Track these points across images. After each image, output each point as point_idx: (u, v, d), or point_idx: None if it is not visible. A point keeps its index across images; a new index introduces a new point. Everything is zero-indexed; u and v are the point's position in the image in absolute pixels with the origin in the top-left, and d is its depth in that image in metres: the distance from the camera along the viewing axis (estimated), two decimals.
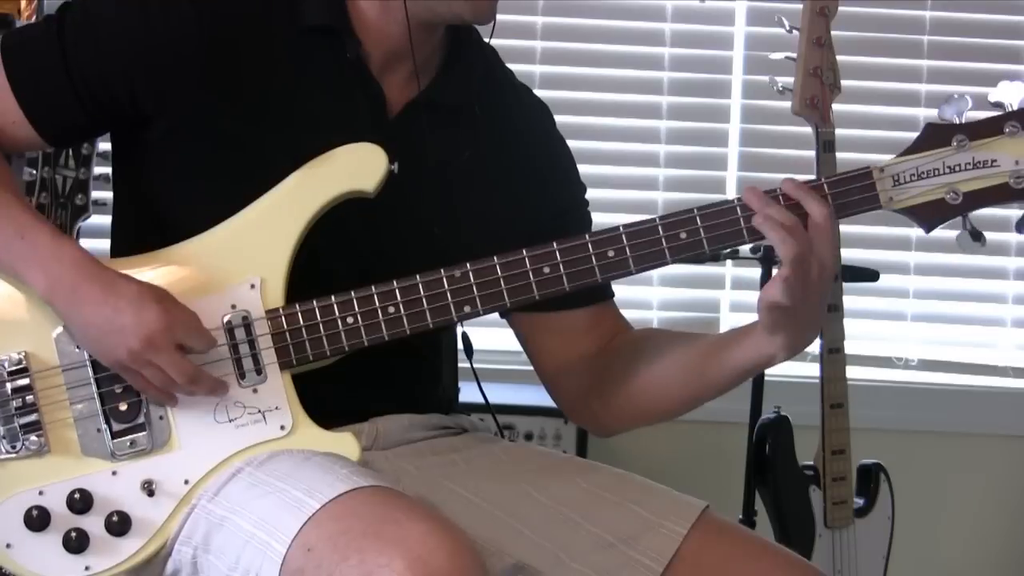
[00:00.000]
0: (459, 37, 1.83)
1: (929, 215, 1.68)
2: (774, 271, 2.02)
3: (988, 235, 1.71)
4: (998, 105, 1.67)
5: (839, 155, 2.62)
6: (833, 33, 2.60)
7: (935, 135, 1.67)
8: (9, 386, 1.66)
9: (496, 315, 1.85)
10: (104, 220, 1.99)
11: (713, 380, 1.74)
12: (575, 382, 1.87)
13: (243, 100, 1.72)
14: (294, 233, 1.68)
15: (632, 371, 1.81)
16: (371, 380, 1.77)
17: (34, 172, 2.39)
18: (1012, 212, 1.73)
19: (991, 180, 1.67)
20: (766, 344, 1.67)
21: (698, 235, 1.67)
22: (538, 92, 1.98)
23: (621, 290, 3.11)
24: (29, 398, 1.66)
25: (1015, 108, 1.66)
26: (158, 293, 1.63)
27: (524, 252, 1.68)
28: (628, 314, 3.28)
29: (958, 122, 1.67)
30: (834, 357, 2.68)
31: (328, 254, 1.73)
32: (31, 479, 1.65)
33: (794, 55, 2.60)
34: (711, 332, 1.79)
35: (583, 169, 1.96)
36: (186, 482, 1.66)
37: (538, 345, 1.90)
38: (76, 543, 1.64)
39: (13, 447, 1.65)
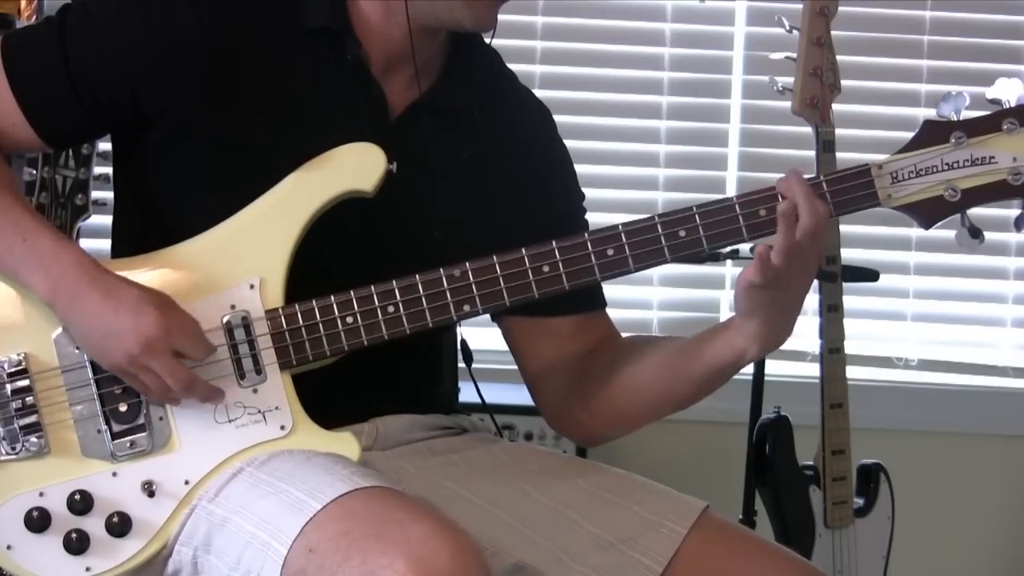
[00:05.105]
0: (461, 40, 1.83)
1: (928, 212, 1.67)
2: None
3: (988, 235, 1.70)
4: (996, 102, 1.67)
5: (839, 155, 2.62)
6: (833, 33, 2.60)
7: (933, 132, 1.67)
8: (9, 388, 1.66)
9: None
10: (104, 220, 1.99)
11: (689, 377, 1.74)
12: (558, 387, 1.87)
13: (244, 101, 1.72)
14: (293, 233, 1.68)
15: (613, 373, 1.81)
16: (371, 380, 1.77)
17: (34, 172, 2.40)
18: (1011, 211, 1.73)
19: (989, 177, 1.67)
20: (739, 336, 1.67)
21: (697, 233, 1.67)
22: (538, 92, 1.98)
23: (621, 290, 3.09)
24: (29, 399, 1.66)
25: (1013, 105, 1.67)
26: (159, 298, 1.63)
27: (523, 251, 1.68)
28: (628, 314, 3.27)
29: (956, 119, 1.67)
30: (834, 357, 2.68)
31: (328, 254, 1.73)
32: (31, 480, 1.65)
33: (794, 55, 2.60)
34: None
35: (583, 169, 1.96)
36: (186, 483, 1.66)
37: (526, 348, 1.90)
38: (77, 544, 1.64)
39: (13, 448, 1.65)
